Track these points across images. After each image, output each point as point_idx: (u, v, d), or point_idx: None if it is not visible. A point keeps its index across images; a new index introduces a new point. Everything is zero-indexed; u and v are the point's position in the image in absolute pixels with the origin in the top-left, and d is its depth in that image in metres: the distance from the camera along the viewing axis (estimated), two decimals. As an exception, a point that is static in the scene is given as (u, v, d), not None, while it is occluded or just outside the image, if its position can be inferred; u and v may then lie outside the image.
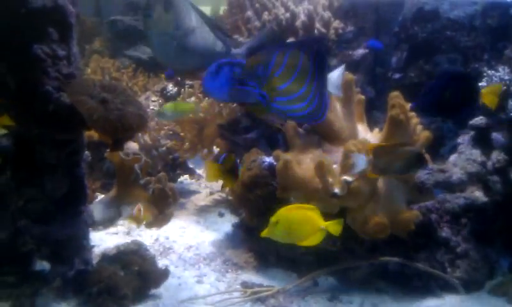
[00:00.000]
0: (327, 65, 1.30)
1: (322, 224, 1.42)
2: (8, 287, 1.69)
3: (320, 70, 1.26)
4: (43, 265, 1.80)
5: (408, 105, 1.97)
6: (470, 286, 1.93)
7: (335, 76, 1.33)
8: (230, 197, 2.73)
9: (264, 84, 1.23)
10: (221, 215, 2.73)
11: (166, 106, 1.69)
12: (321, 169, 1.84)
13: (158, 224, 2.49)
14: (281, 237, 1.46)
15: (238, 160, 1.53)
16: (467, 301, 1.88)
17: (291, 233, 1.43)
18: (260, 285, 1.96)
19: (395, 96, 1.95)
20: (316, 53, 1.25)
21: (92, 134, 2.52)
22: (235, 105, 2.80)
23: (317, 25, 2.93)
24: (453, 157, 2.33)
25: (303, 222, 1.43)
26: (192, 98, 2.70)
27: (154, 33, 2.00)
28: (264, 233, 1.47)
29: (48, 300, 1.75)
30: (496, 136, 2.17)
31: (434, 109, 1.83)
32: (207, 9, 5.04)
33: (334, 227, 1.44)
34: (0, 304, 1.66)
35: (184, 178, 3.25)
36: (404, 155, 1.56)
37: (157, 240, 2.38)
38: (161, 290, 1.88)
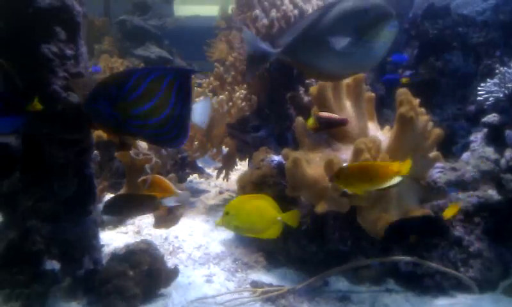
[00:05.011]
0: (191, 96, 1.29)
1: (278, 215, 1.39)
2: (18, 286, 1.70)
3: (183, 100, 1.25)
4: (52, 264, 1.80)
5: (417, 102, 1.94)
6: (483, 286, 1.90)
7: (199, 107, 1.32)
8: (239, 197, 2.72)
9: (117, 104, 1.20)
10: (230, 214, 2.72)
11: None
12: (331, 168, 1.82)
13: (168, 224, 2.50)
14: (237, 229, 1.44)
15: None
16: (480, 301, 1.85)
17: (247, 225, 1.41)
18: (270, 285, 1.95)
19: (404, 93, 1.92)
20: (181, 84, 1.24)
21: (101, 134, 2.53)
22: (244, 103, 2.79)
23: (327, 22, 2.91)
24: (466, 155, 2.30)
25: (258, 214, 1.40)
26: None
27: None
28: (217, 222, 1.45)
29: (58, 300, 1.75)
30: (510, 133, 2.14)
31: None
32: (215, 9, 5.04)
33: (291, 218, 1.41)
34: (11, 304, 1.67)
35: (193, 177, 3.26)
36: None
37: (166, 239, 2.37)
38: (171, 289, 1.88)
